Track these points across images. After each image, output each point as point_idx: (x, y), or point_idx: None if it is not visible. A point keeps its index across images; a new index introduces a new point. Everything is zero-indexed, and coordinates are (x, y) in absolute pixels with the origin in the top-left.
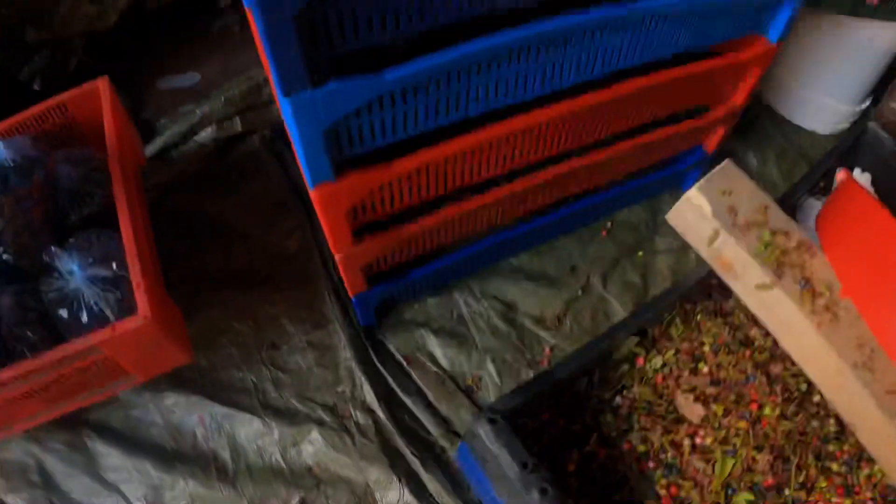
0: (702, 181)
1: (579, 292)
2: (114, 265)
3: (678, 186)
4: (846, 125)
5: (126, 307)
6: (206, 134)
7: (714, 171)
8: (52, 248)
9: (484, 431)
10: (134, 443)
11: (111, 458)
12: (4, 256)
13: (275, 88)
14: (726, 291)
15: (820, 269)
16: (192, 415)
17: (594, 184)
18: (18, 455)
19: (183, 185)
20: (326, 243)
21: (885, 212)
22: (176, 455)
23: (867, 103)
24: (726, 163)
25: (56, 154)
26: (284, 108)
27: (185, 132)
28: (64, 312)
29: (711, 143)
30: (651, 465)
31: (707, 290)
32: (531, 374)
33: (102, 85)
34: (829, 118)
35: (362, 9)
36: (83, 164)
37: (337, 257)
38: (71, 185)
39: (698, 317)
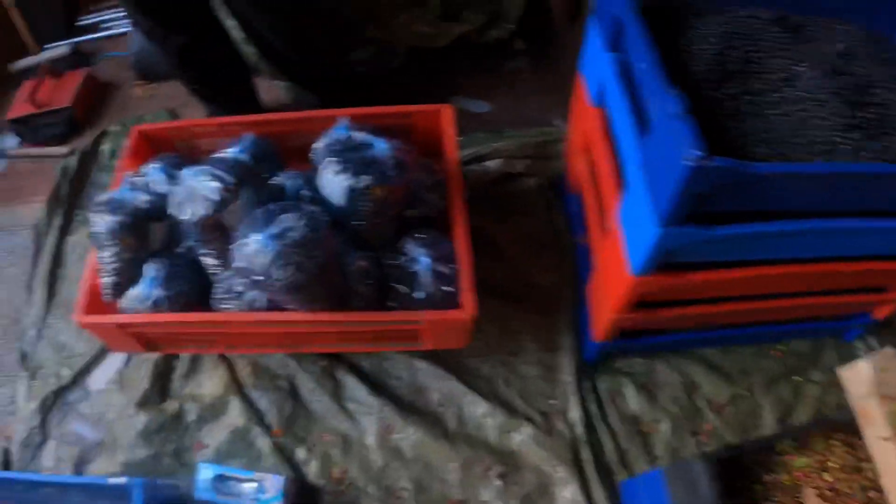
0: (871, 358)
1: (743, 392)
2: (451, 266)
3: (841, 336)
4: None
5: (449, 299)
6: (494, 164)
7: (880, 352)
8: (407, 237)
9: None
10: (379, 387)
11: (357, 392)
12: (363, 232)
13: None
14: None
15: None
16: (434, 382)
17: (783, 317)
18: (276, 364)
19: (470, 202)
20: (574, 287)
21: None
22: (412, 408)
23: None
24: (888, 350)
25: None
26: (648, 231)
27: (477, 156)
28: (402, 287)
29: (881, 313)
30: None
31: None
32: (693, 440)
33: (445, 112)
34: None
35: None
36: (431, 175)
37: (609, 317)
38: (418, 188)
39: (833, 440)
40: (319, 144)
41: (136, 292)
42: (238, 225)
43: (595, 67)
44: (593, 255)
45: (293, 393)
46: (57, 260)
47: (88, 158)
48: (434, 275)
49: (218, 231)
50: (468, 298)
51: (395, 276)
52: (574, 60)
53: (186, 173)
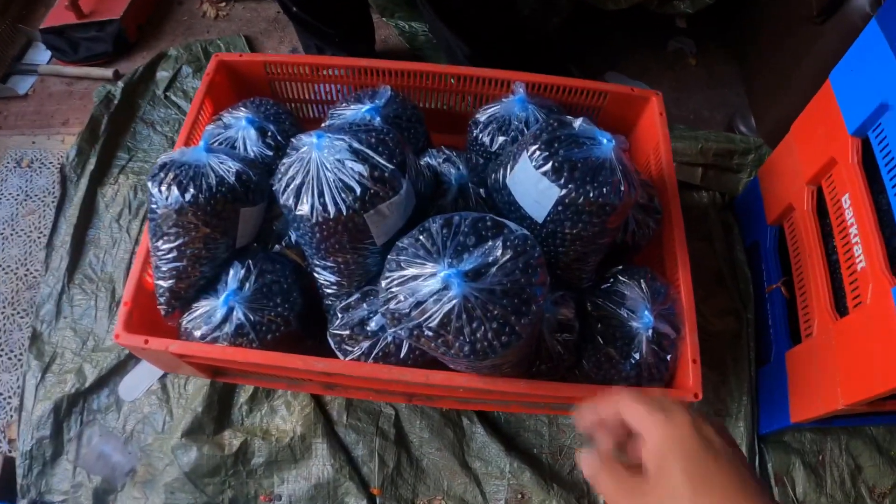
0: None
1: None
2: (676, 327)
3: None
4: None
5: (660, 367)
6: None
7: None
8: (625, 279)
9: None
10: (514, 446)
11: (488, 448)
12: (563, 264)
13: None
14: None
15: None
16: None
17: None
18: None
19: None
20: (758, 344)
21: None
22: (553, 475)
23: None
24: None
25: None
26: None
27: None
28: (611, 349)
29: None
30: None
31: None
32: None
33: (655, 101)
34: None
35: None
36: (645, 189)
37: (836, 408)
38: (635, 211)
39: None
40: (482, 117)
41: (207, 308)
42: (384, 232)
43: (867, 86)
44: (811, 324)
45: (401, 440)
46: (86, 216)
47: (138, 87)
48: (653, 336)
49: (349, 236)
50: (694, 374)
51: (602, 330)
52: (783, 59)
53: (309, 140)
